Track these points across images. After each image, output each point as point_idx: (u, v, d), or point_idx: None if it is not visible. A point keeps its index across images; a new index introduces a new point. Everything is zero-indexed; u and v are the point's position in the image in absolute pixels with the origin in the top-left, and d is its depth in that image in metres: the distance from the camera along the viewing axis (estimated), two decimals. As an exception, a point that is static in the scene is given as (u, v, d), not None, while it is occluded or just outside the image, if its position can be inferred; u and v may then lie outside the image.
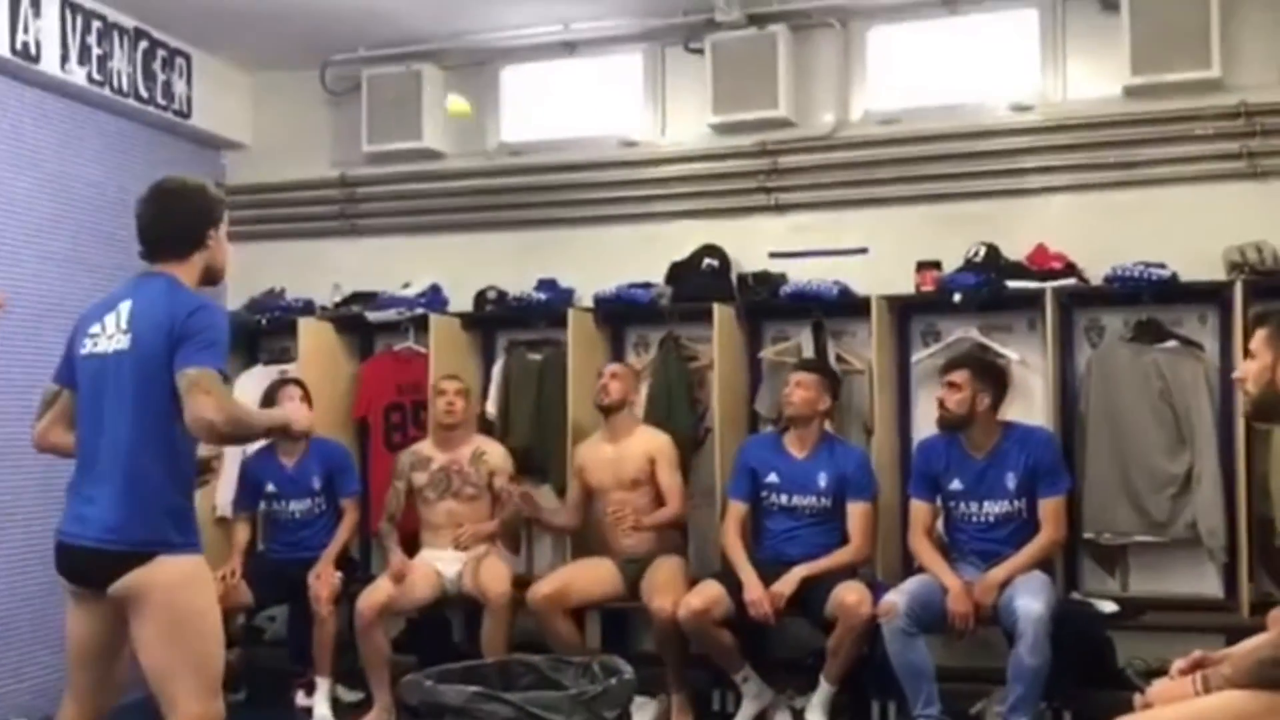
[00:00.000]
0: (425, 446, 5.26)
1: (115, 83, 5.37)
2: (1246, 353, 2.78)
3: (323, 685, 5.02)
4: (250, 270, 6.16)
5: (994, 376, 4.54)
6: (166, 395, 2.82)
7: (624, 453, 5.05)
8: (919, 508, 4.61)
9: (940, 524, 4.64)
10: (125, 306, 2.99)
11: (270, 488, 5.25)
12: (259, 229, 6.12)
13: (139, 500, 2.84)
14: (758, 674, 4.70)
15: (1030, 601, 4.09)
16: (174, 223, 3.06)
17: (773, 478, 4.79)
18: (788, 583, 4.54)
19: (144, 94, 5.55)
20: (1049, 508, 4.43)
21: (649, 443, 5.07)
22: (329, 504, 5.26)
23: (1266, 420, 2.83)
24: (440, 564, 5.05)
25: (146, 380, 2.86)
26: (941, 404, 4.49)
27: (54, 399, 3.11)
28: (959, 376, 4.46)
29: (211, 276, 3.13)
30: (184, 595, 2.84)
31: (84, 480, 2.93)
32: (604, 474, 5.05)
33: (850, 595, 4.45)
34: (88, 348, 3.00)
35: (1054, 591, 4.33)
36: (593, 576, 4.97)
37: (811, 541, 4.72)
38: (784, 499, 4.78)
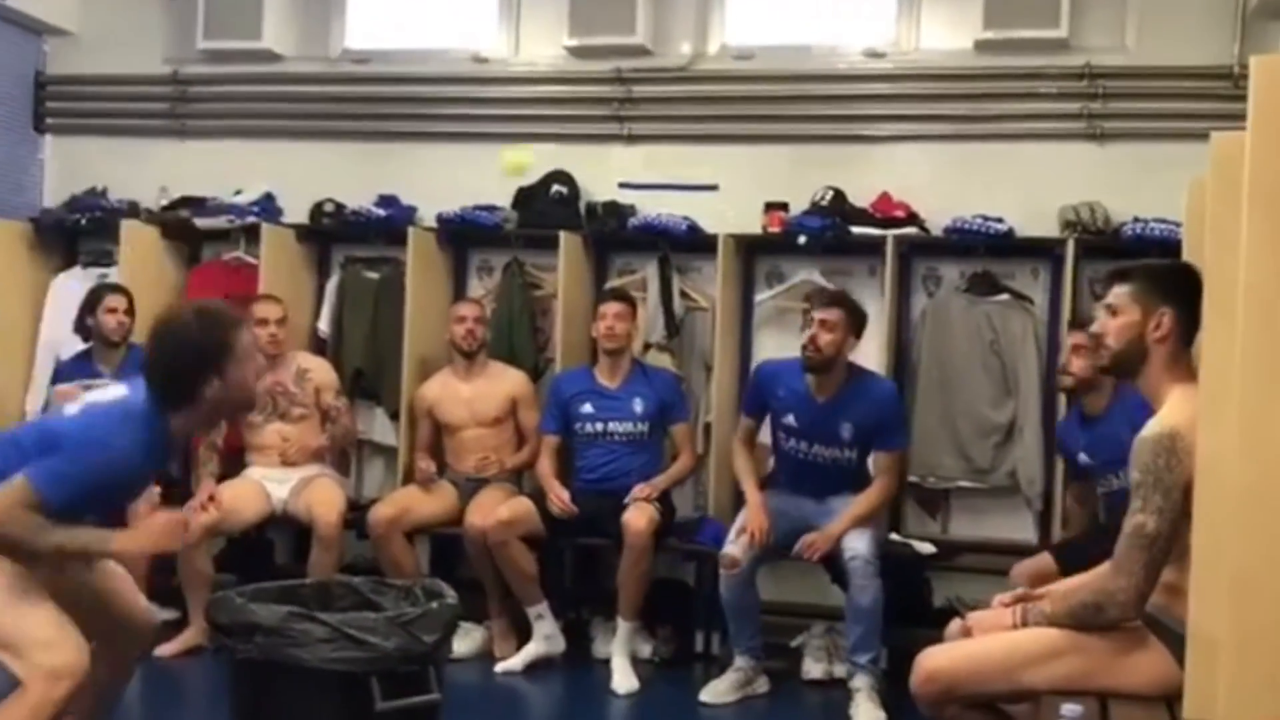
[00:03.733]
0: None
1: (-76, -48, 4.97)
2: (1105, 308, 2.77)
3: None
4: (71, 166, 5.88)
5: (860, 320, 4.39)
6: None
7: (482, 391, 4.97)
8: (746, 424, 4.59)
9: (770, 457, 4.66)
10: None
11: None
12: (82, 123, 5.79)
13: None
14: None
15: (856, 543, 4.16)
16: (161, 371, 2.84)
17: (587, 408, 4.79)
18: (641, 492, 4.58)
19: (-43, -32, 5.15)
20: (886, 461, 4.43)
21: (509, 382, 5.02)
22: None
23: (1122, 376, 2.86)
24: (269, 484, 4.87)
25: None
26: (814, 342, 4.22)
27: None
28: (835, 315, 4.24)
29: (227, 413, 3.05)
30: None
31: None
32: (459, 412, 4.97)
33: (638, 517, 4.49)
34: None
35: (880, 532, 4.40)
36: (432, 499, 4.89)
37: (629, 467, 4.74)
38: (599, 427, 4.78)
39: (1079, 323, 4.17)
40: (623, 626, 4.52)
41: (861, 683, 4.13)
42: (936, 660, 2.70)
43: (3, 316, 5.50)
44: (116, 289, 5.03)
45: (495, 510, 4.61)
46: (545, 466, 4.82)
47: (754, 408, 4.59)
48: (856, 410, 4.35)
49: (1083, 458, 4.17)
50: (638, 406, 4.78)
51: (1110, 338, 2.75)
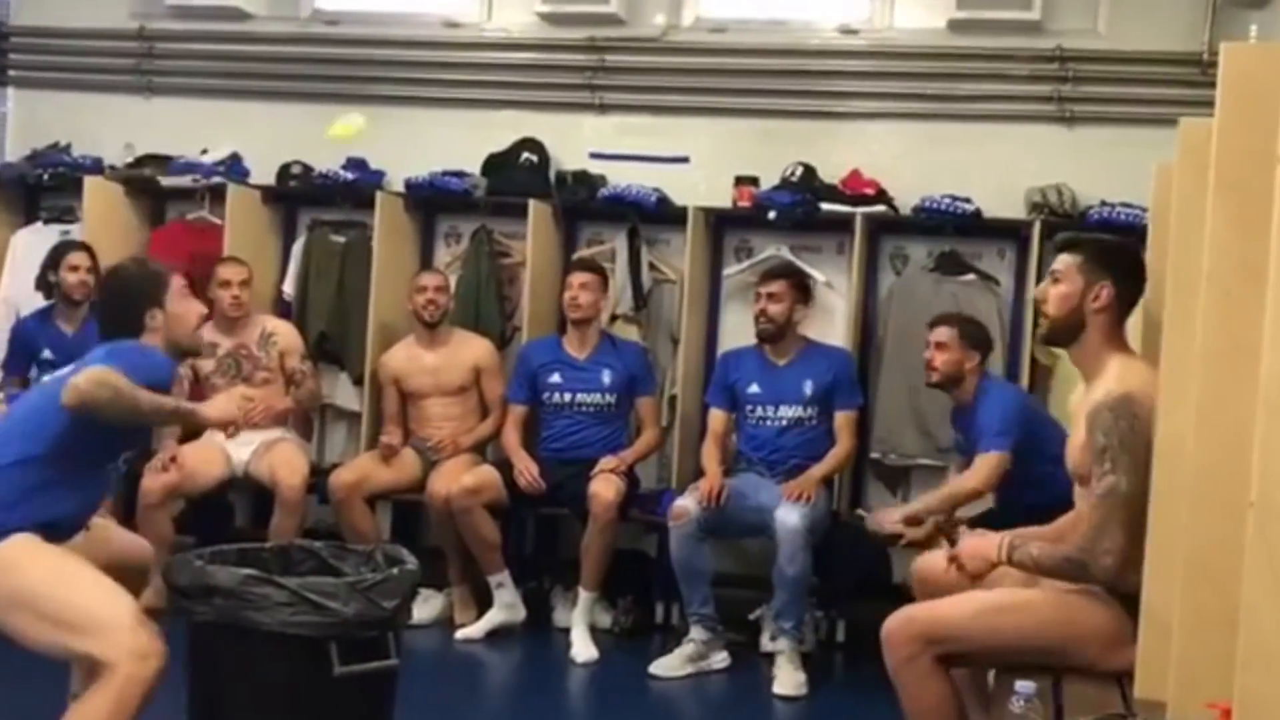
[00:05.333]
0: (207, 331, 4.93)
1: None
2: (1050, 275, 2.85)
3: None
4: (34, 120, 5.79)
5: (806, 290, 4.65)
6: None
7: (446, 360, 4.95)
8: (715, 415, 4.68)
9: (735, 436, 4.69)
10: None
11: (46, 354, 4.90)
12: (45, 76, 5.73)
13: None
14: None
15: (788, 515, 4.21)
16: (110, 310, 3.15)
17: (555, 378, 4.79)
18: (609, 464, 4.61)
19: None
20: (844, 420, 4.58)
21: (473, 351, 5.00)
22: None
23: (1059, 344, 2.94)
24: (230, 446, 4.83)
25: None
26: (764, 314, 4.51)
27: None
28: (778, 287, 4.51)
29: (176, 350, 3.13)
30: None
31: None
32: (423, 381, 4.95)
33: (604, 488, 4.50)
34: None
35: (817, 508, 4.37)
36: (395, 466, 4.87)
37: (595, 437, 4.76)
38: (567, 398, 4.78)
39: (939, 320, 4.33)
40: (583, 596, 4.53)
41: (784, 645, 4.24)
42: (915, 608, 2.79)
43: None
44: (80, 246, 4.96)
45: (459, 478, 4.60)
46: (512, 437, 4.81)
47: (720, 397, 4.68)
48: (815, 370, 4.57)
49: (959, 439, 4.42)
50: (606, 378, 4.79)
51: (1050, 305, 2.82)
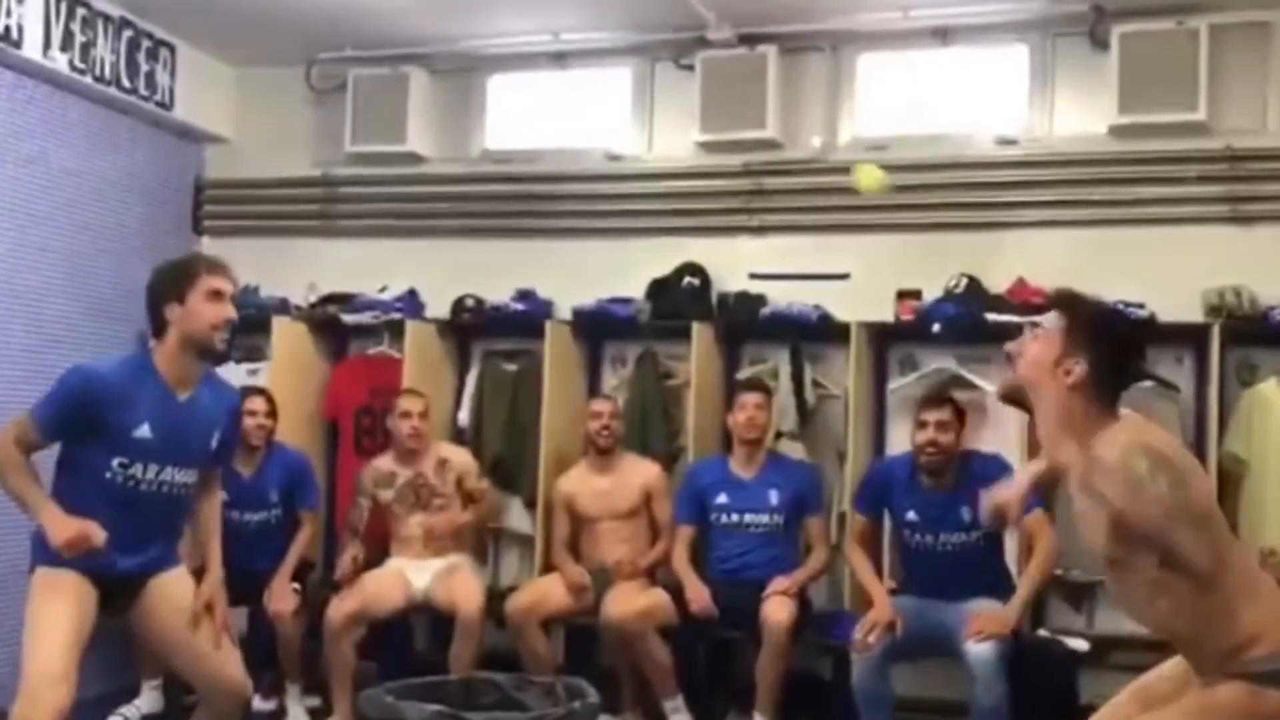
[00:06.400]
0: (387, 461, 5.16)
1: (98, 71, 5.30)
2: (1032, 330, 2.58)
3: (293, 691, 5.01)
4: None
5: (963, 411, 4.47)
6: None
7: (617, 485, 5.04)
8: (860, 520, 4.56)
9: (896, 554, 4.61)
10: None
11: (225, 497, 5.12)
12: (237, 224, 6.06)
13: None
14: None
15: (981, 646, 4.05)
16: (147, 308, 3.30)
17: (723, 498, 4.80)
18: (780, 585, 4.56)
19: (126, 84, 5.47)
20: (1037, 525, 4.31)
21: (644, 475, 5.08)
22: (286, 516, 5.12)
23: (1013, 404, 2.65)
24: (409, 572, 4.99)
25: None
26: (935, 445, 4.32)
27: None
28: (947, 415, 4.36)
29: (194, 347, 3.25)
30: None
31: None
32: (595, 505, 5.04)
33: (777, 611, 4.46)
34: None
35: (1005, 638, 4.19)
36: (569, 589, 4.92)
37: (764, 558, 4.73)
38: (735, 518, 4.79)
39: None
40: None
41: None
42: None
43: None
44: (258, 391, 5.12)
45: (632, 601, 4.63)
46: (681, 559, 4.83)
47: (869, 505, 4.56)
48: (972, 491, 4.12)
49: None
50: (773, 498, 4.79)
51: (1020, 364, 2.54)
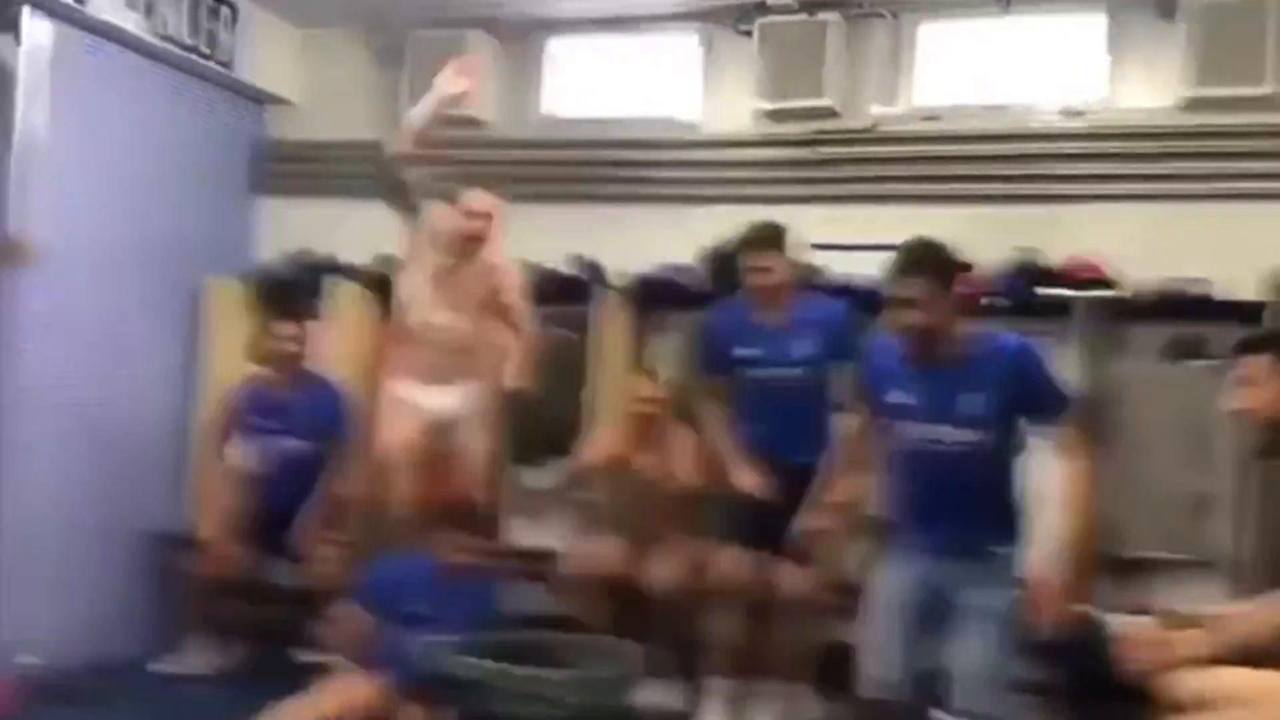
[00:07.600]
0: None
1: (161, 29, 5.36)
2: (1237, 382, 2.59)
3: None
4: (283, 228, 6.19)
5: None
6: None
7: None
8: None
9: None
10: None
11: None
12: (298, 184, 6.11)
13: None
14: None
15: None
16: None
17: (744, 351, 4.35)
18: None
19: (189, 42, 5.53)
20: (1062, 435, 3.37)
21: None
22: None
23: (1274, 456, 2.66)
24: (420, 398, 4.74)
25: None
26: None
27: None
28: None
29: None
30: None
31: None
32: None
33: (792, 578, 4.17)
34: None
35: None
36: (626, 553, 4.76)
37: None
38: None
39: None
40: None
41: None
42: None
43: (223, 366, 5.80)
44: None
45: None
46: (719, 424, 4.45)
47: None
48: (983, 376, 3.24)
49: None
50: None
51: (1262, 410, 2.53)
